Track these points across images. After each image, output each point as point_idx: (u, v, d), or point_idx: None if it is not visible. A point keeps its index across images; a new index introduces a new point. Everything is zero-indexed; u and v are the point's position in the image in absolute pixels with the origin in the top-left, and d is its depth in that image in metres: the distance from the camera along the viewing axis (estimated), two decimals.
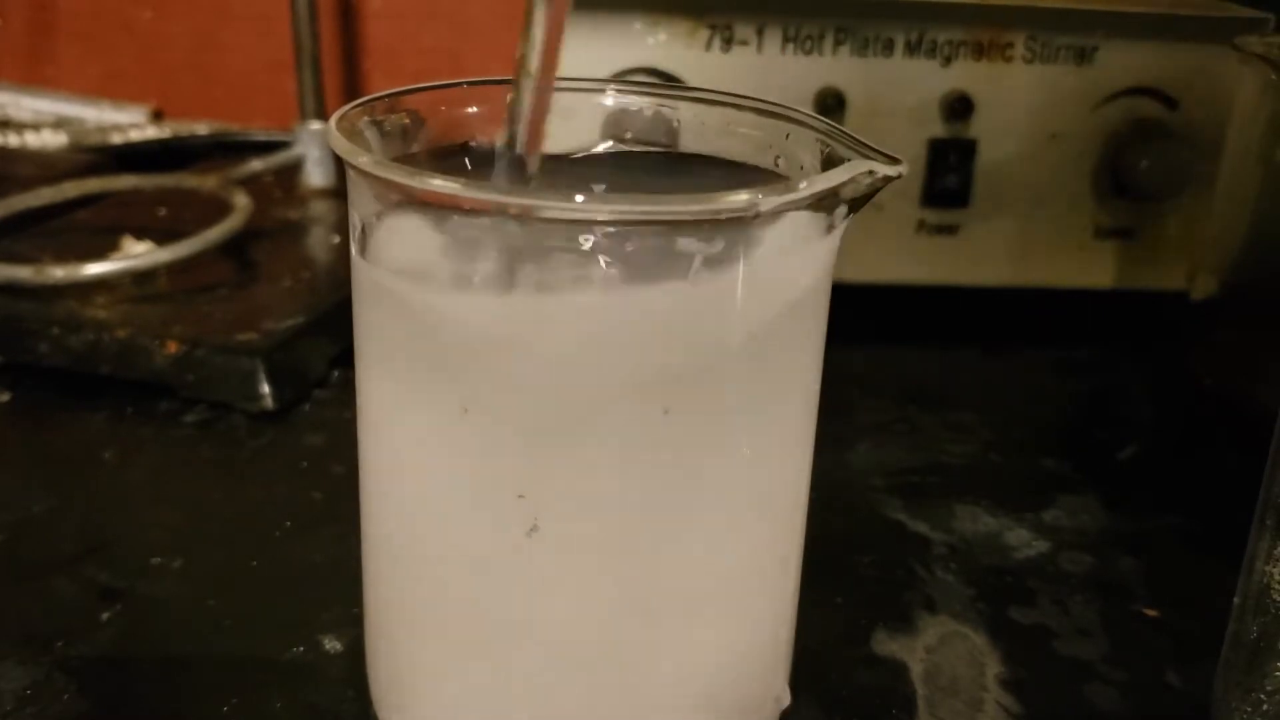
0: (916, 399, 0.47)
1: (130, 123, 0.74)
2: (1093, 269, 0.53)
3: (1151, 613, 0.34)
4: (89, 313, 0.45)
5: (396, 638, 0.26)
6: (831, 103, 0.49)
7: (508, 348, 0.22)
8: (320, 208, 0.59)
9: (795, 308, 0.24)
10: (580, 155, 0.28)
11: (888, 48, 0.49)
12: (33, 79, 0.76)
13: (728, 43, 0.48)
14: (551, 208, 0.22)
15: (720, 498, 0.24)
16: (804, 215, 0.23)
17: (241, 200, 0.53)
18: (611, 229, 0.22)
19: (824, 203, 0.23)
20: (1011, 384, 0.49)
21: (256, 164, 0.58)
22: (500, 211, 0.22)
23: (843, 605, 0.34)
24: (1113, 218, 0.52)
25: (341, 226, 0.57)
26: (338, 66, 0.73)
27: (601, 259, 0.22)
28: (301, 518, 0.37)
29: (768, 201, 0.21)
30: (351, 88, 0.74)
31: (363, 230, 0.24)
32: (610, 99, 0.28)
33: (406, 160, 0.26)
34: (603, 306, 0.22)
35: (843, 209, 0.24)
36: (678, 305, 0.22)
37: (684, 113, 0.28)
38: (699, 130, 0.28)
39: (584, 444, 0.22)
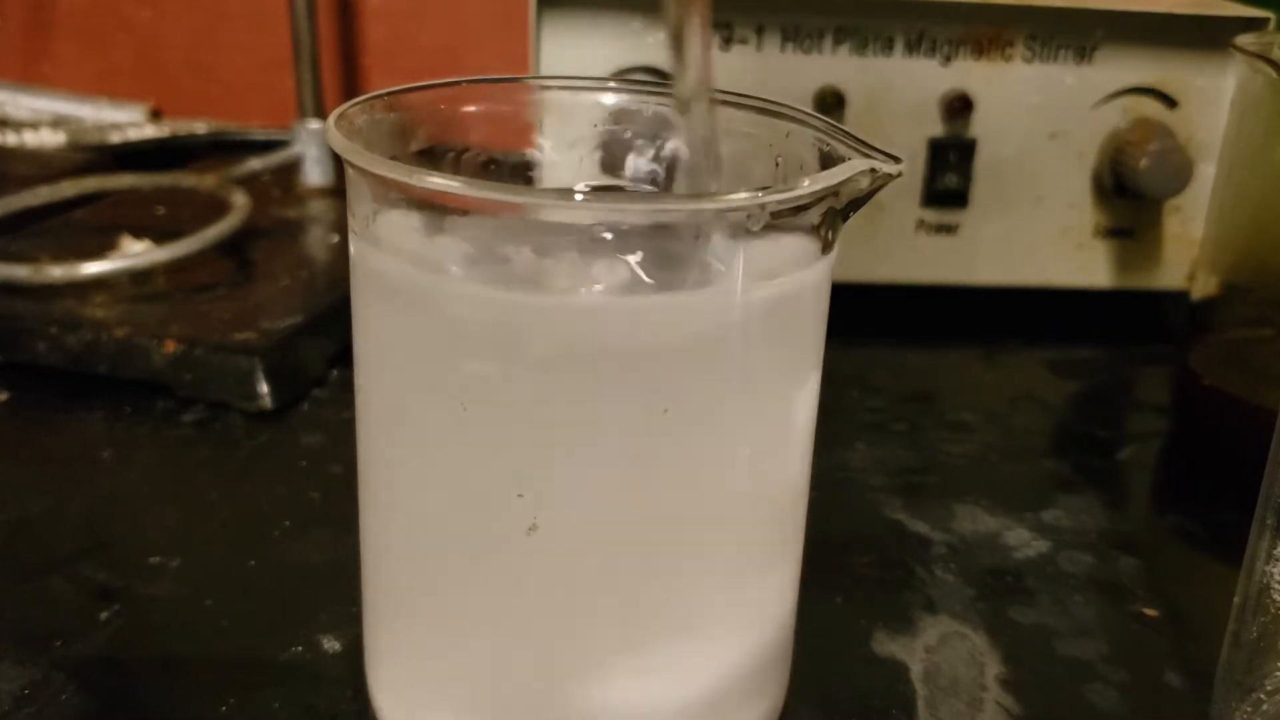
0: (916, 399, 0.47)
1: (128, 121, 0.74)
2: (1092, 269, 0.53)
3: (1151, 613, 0.34)
4: (87, 312, 0.45)
5: (395, 636, 0.26)
6: (831, 102, 0.49)
7: (508, 347, 0.22)
8: (319, 207, 0.59)
9: (795, 307, 0.24)
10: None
11: (887, 47, 0.49)
12: (31, 77, 0.76)
13: (727, 41, 0.48)
14: (551, 207, 0.22)
15: (720, 497, 0.24)
16: (804, 215, 0.23)
17: (240, 199, 0.53)
18: (612, 228, 0.22)
19: (824, 202, 0.23)
20: (1011, 384, 0.49)
21: (255, 163, 0.58)
22: (500, 210, 0.22)
23: (842, 605, 0.34)
24: (1112, 217, 0.52)
25: (340, 226, 0.57)
26: (336, 65, 0.73)
27: (602, 258, 0.22)
28: (299, 518, 0.36)
29: (768, 200, 0.21)
30: (350, 86, 0.74)
31: (362, 229, 0.24)
32: (610, 98, 0.28)
33: (405, 159, 0.26)
34: (603, 306, 0.22)
35: (843, 208, 0.24)
36: (678, 304, 0.22)
37: None
38: None
39: (584, 444, 0.22)
